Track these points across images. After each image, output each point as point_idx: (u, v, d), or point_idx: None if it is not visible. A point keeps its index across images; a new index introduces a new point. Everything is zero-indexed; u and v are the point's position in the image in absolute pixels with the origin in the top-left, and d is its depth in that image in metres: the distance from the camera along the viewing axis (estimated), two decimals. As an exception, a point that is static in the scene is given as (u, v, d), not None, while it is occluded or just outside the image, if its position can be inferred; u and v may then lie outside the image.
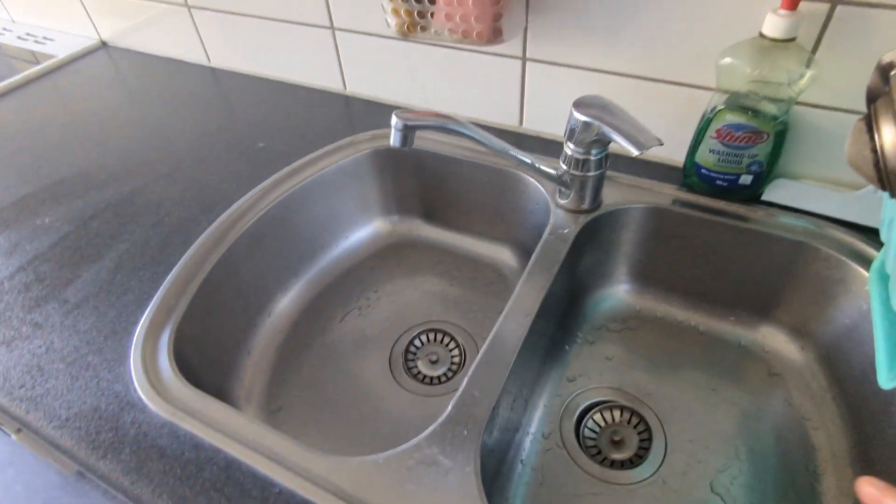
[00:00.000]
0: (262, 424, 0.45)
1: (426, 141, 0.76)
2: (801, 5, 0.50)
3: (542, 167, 0.61)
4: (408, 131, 0.51)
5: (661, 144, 0.51)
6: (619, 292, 0.72)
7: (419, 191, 0.80)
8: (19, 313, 0.56)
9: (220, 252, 0.62)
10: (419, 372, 0.69)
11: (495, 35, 0.60)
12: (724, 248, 0.63)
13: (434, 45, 0.74)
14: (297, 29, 0.84)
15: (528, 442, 0.60)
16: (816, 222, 0.59)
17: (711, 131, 0.58)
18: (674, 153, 0.66)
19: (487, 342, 0.51)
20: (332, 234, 0.79)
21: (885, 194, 0.43)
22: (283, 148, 0.77)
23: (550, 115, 0.73)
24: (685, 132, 0.63)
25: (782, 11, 0.50)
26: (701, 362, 0.66)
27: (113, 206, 0.69)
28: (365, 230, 0.82)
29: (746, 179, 0.60)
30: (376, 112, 0.84)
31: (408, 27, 0.64)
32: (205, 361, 0.59)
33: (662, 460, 0.58)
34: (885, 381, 0.43)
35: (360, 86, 0.86)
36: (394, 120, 0.51)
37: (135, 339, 0.53)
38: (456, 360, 0.70)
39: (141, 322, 0.54)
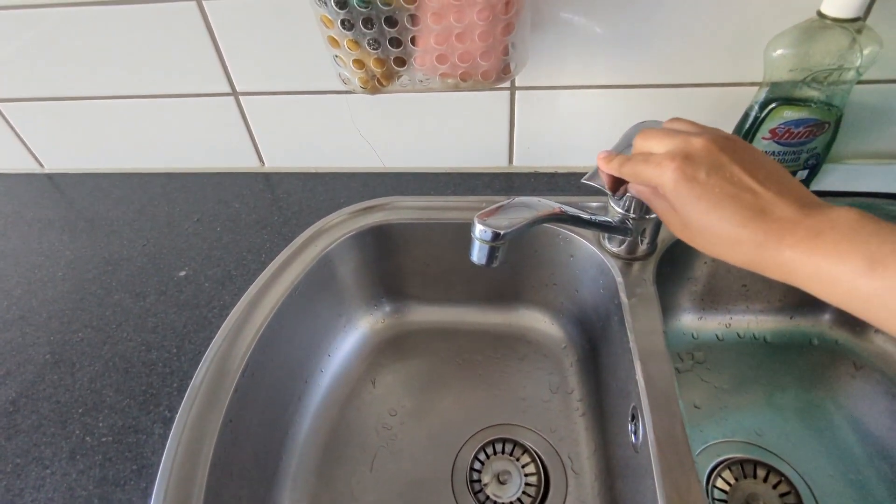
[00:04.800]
0: None
1: (398, 211, 0.60)
2: (859, -23, 0.43)
3: (600, 219, 0.48)
4: (499, 242, 0.35)
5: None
6: (675, 325, 0.63)
7: (406, 268, 0.63)
8: None
9: (205, 462, 0.41)
10: (494, 502, 0.54)
11: (505, 72, 0.46)
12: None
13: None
14: (179, 103, 0.61)
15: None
16: (873, 202, 0.55)
17: (764, 132, 0.51)
18: (702, 160, 0.58)
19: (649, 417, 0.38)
20: (313, 361, 0.60)
21: None
22: (215, 271, 0.56)
23: (547, 147, 0.61)
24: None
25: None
26: (785, 377, 0.60)
27: (-17, 445, 0.43)
28: (352, 337, 0.64)
29: (802, 175, 0.54)
30: (311, 186, 0.65)
31: (379, 80, 0.47)
32: None
33: (818, 506, 0.50)
34: None
35: (283, 158, 0.66)
36: (477, 229, 0.34)
37: None
38: (530, 469, 0.56)
39: None
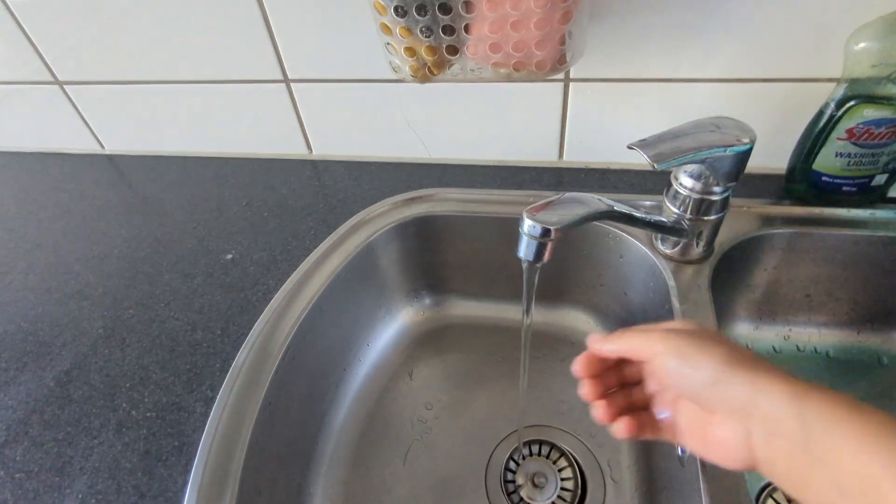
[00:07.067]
0: None
1: (442, 203, 0.59)
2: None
3: (654, 218, 0.46)
4: (548, 238, 0.34)
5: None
6: (728, 334, 0.60)
7: (448, 261, 0.63)
8: None
9: (243, 443, 0.41)
10: (529, 505, 0.53)
11: (560, 62, 0.44)
12: (861, 263, 0.53)
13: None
14: (233, 89, 0.62)
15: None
16: (962, 213, 0.50)
17: (840, 132, 0.47)
18: (767, 161, 0.54)
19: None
20: (352, 350, 0.60)
21: None
22: (261, 255, 0.56)
23: (600, 142, 0.59)
24: (783, 136, 0.51)
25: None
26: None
27: (36, 411, 0.45)
28: (391, 327, 0.64)
29: (880, 179, 0.50)
30: (357, 175, 0.65)
31: (430, 68, 0.46)
32: None
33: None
34: None
35: (330, 145, 0.67)
36: (526, 224, 0.33)
37: None
38: (567, 473, 0.54)
39: None
